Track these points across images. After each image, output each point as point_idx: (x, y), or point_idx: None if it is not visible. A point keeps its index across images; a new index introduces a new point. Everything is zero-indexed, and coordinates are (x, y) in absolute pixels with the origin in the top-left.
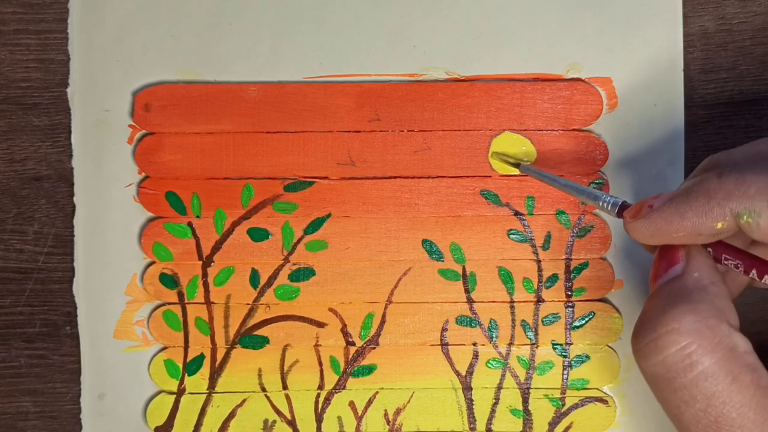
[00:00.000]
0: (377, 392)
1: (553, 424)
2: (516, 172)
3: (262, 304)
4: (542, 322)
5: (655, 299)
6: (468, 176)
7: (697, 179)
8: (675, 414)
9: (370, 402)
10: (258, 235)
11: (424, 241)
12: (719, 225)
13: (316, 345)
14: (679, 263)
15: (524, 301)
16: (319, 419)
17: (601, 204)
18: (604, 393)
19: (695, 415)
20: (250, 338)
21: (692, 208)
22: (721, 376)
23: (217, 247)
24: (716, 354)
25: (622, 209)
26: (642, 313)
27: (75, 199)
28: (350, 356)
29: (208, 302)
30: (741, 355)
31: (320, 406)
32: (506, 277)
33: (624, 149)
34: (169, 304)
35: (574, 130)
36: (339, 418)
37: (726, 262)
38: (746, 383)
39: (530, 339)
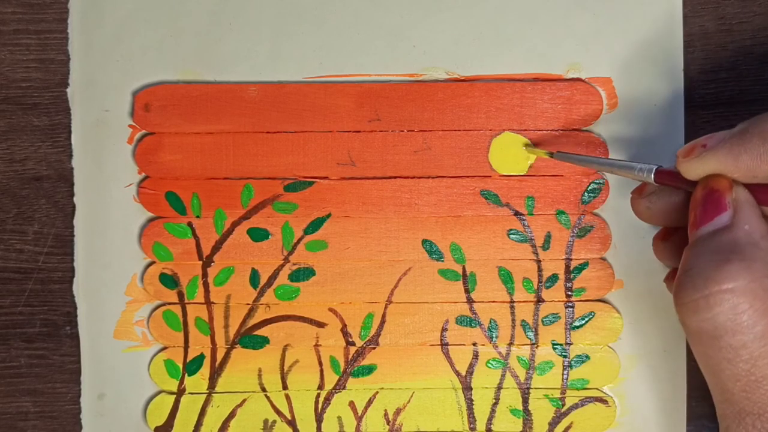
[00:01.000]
0: (377, 392)
1: (553, 424)
2: (521, 171)
3: (262, 304)
4: (542, 322)
5: (702, 250)
6: (468, 176)
7: (753, 120)
8: (714, 370)
9: (370, 402)
10: (258, 235)
11: (424, 241)
12: None
13: (316, 345)
14: (726, 211)
15: (524, 301)
16: (319, 419)
17: (636, 173)
18: (604, 393)
19: (736, 374)
20: (250, 338)
21: (746, 150)
22: None
23: (217, 247)
24: (767, 316)
25: (658, 174)
26: (687, 263)
27: (75, 199)
28: (350, 356)
29: (208, 302)
30: None
31: (320, 406)
32: (506, 277)
33: (624, 149)
34: (169, 304)
35: (574, 130)
36: (339, 418)
37: None
38: None
39: (530, 339)
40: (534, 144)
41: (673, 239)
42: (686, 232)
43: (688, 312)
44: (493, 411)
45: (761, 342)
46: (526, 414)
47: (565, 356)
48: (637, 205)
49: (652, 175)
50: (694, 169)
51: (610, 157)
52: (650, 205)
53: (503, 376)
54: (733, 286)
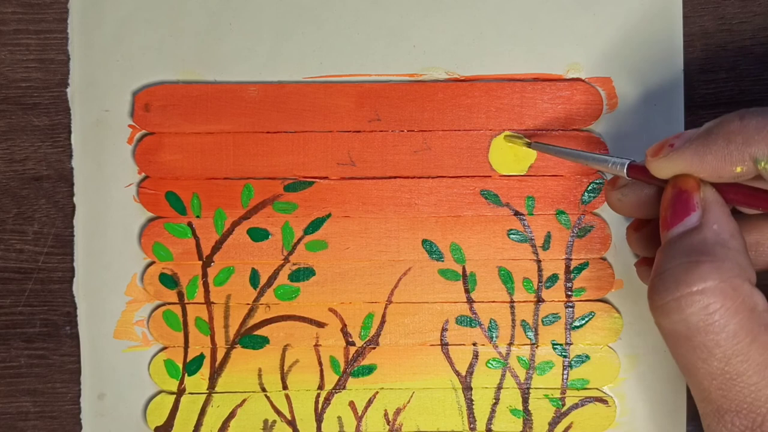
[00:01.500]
0: (377, 392)
1: (553, 424)
2: (521, 171)
3: (262, 304)
4: (542, 322)
5: (673, 252)
6: (468, 176)
7: (718, 120)
8: (690, 370)
9: (370, 402)
10: (258, 235)
11: (424, 241)
12: (738, 169)
13: (316, 345)
14: (694, 212)
15: (524, 301)
16: (319, 419)
17: (609, 166)
18: (604, 393)
19: (711, 373)
20: (250, 338)
21: (711, 151)
22: (741, 335)
23: (217, 247)
24: (739, 315)
25: (630, 169)
26: (658, 266)
27: (75, 199)
28: (350, 356)
29: (208, 302)
30: (761, 315)
31: (320, 406)
32: (506, 277)
33: (624, 149)
34: (169, 304)
35: (574, 130)
36: (339, 418)
37: (744, 205)
38: (765, 342)
39: (530, 339)
40: (514, 135)
41: (645, 230)
42: (658, 223)
43: (662, 314)
44: (493, 411)
45: (734, 340)
46: (526, 414)
47: (565, 356)
48: (610, 196)
49: (625, 169)
50: (662, 168)
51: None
52: (622, 198)
53: (503, 376)
54: (704, 287)
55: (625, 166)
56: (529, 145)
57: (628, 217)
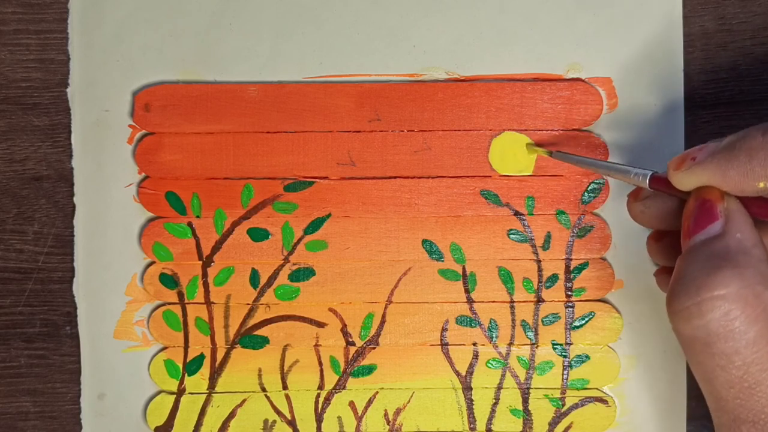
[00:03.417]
0: (377, 392)
1: (553, 424)
2: (527, 171)
3: (262, 304)
4: (542, 322)
5: (694, 258)
6: (468, 176)
7: (741, 134)
8: (708, 378)
9: (370, 402)
10: (258, 235)
11: (424, 241)
12: (761, 185)
13: (316, 345)
14: (717, 220)
15: (524, 301)
16: (319, 419)
17: (632, 177)
18: (604, 393)
19: (729, 381)
20: (250, 338)
21: (734, 167)
22: (761, 344)
23: (217, 247)
24: (759, 322)
25: (653, 180)
26: (679, 272)
27: (75, 199)
28: (350, 356)
29: (208, 302)
30: None
31: (320, 406)
32: (506, 277)
33: (624, 149)
34: (169, 304)
35: (574, 130)
36: (339, 418)
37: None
38: None
39: (530, 339)
40: (536, 144)
41: (666, 240)
42: (679, 234)
43: (681, 320)
44: (493, 411)
45: (753, 348)
46: (526, 414)
47: (565, 356)
48: (632, 208)
49: (647, 181)
50: (684, 181)
51: (609, 157)
52: (645, 209)
53: (503, 376)
54: (725, 292)
55: (648, 178)
56: (551, 154)
57: (650, 228)
